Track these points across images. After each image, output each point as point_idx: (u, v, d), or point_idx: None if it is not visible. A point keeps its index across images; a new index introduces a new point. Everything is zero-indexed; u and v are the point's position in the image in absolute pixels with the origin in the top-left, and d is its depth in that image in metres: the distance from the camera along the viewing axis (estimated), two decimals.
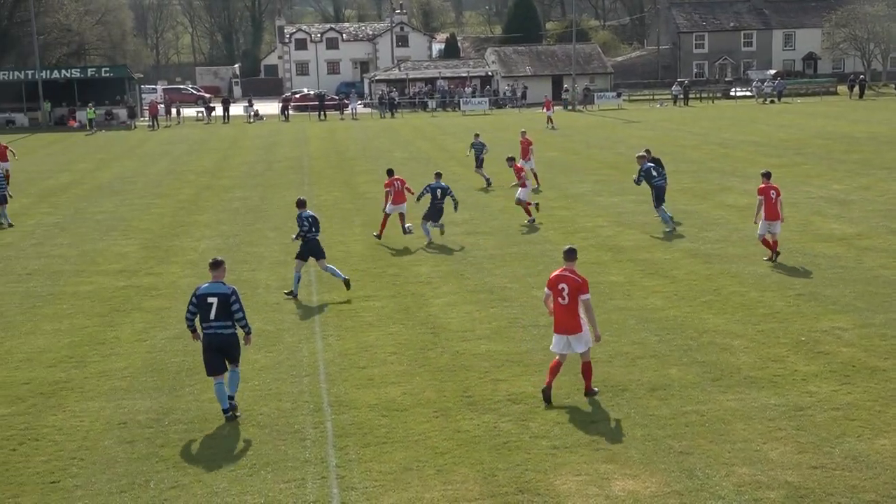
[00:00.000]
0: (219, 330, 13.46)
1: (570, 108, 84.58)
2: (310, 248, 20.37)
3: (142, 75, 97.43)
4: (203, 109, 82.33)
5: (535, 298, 19.49)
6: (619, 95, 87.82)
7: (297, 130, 67.68)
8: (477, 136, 38.25)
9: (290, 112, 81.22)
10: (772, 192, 22.12)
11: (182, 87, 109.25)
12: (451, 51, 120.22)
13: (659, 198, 26.12)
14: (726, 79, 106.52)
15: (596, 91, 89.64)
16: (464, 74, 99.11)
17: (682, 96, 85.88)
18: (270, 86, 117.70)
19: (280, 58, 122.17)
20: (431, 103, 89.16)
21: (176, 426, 13.40)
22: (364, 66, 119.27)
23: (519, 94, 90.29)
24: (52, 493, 11.45)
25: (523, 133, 37.60)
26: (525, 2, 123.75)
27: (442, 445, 12.39)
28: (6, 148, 37.98)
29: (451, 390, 14.39)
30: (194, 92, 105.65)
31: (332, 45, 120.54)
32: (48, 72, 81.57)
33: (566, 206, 30.88)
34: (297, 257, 20.60)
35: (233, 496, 11.23)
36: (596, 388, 14.02)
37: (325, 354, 16.37)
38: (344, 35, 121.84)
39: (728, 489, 10.93)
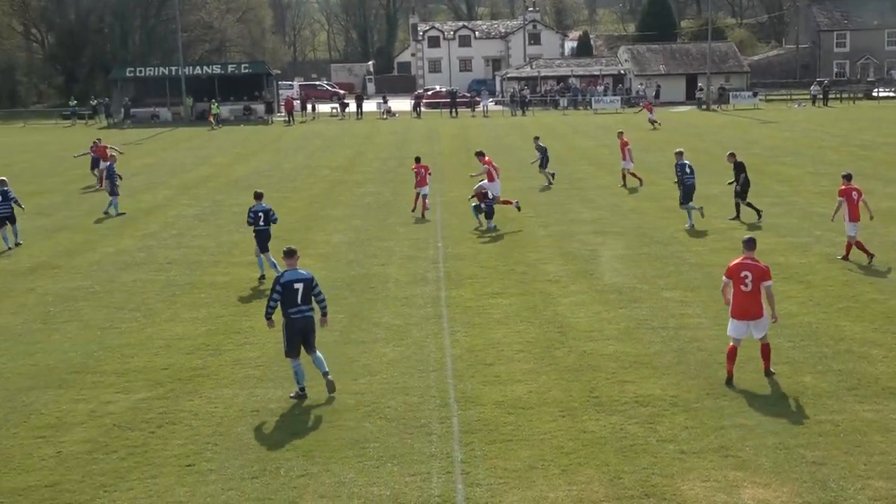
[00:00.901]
0: (306, 313, 14.14)
1: (704, 107, 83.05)
2: (259, 238, 21.80)
3: (279, 72, 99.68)
4: (337, 105, 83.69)
5: (665, 300, 19.25)
6: (755, 95, 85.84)
7: (428, 127, 68.21)
8: (537, 139, 38.71)
9: (423, 109, 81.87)
10: (853, 193, 21.76)
11: (317, 83, 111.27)
12: (583, 49, 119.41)
13: (686, 196, 26.80)
14: (868, 79, 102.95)
15: (731, 90, 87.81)
16: (596, 73, 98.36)
17: (821, 97, 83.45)
18: (403, 83, 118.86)
19: (413, 55, 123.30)
20: (563, 101, 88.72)
21: (306, 416, 13.69)
22: (496, 63, 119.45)
23: (652, 94, 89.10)
24: (188, 476, 11.84)
25: (620, 134, 37.37)
26: None
27: (567, 445, 12.35)
28: (106, 147, 38.91)
29: (577, 390, 14.33)
30: (329, 88, 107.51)
31: (464, 42, 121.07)
32: (191, 68, 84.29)
33: None
34: (258, 252, 22.13)
35: (359, 487, 11.42)
36: (773, 370, 14.46)
37: (453, 350, 16.48)
38: (476, 33, 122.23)
39: (863, 503, 10.61)
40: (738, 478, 11.29)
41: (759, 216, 27.40)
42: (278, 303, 14.15)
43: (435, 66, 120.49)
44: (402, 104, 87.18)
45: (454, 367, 15.56)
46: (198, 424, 13.48)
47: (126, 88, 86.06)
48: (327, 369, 14.35)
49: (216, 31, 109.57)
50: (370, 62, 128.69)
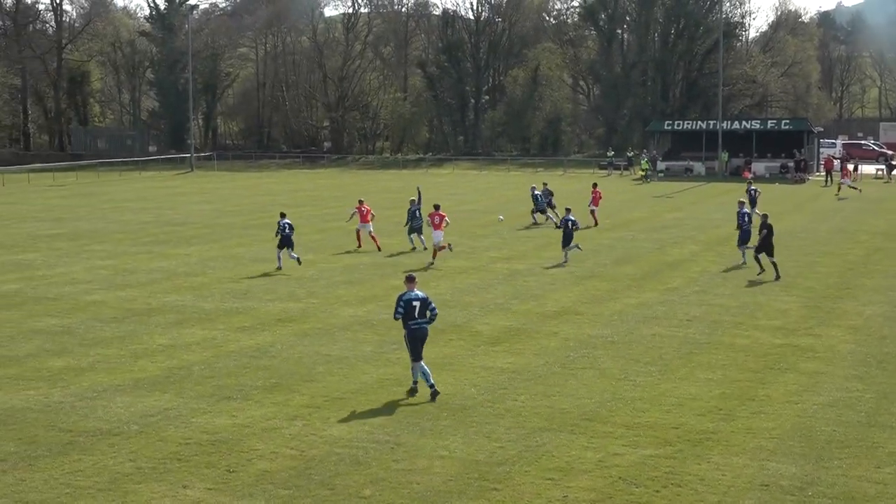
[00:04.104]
0: (422, 325, 17.44)
1: None
2: (283, 241, 31.70)
3: (822, 129, 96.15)
4: (883, 167, 78.82)
5: None
6: None
7: None
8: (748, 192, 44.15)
9: None
10: None
11: (863, 142, 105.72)
12: None
13: (742, 240, 32.02)
14: None
15: None
16: None
17: None
18: None
19: None
20: None
21: (820, 499, 12.76)
22: None
23: None
24: None
25: None
26: None
27: None
28: (369, 210, 37.47)
29: None
30: (876, 148, 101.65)
31: None
32: (728, 122, 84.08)
33: None
34: (277, 246, 32.01)
35: None
36: None
37: None
38: None
39: None
40: None
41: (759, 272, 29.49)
42: (403, 315, 17.37)
43: None
44: None
45: None
46: (703, 490, 13.09)
47: (662, 141, 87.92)
48: (433, 382, 17.31)
49: (758, 86, 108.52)
50: None
